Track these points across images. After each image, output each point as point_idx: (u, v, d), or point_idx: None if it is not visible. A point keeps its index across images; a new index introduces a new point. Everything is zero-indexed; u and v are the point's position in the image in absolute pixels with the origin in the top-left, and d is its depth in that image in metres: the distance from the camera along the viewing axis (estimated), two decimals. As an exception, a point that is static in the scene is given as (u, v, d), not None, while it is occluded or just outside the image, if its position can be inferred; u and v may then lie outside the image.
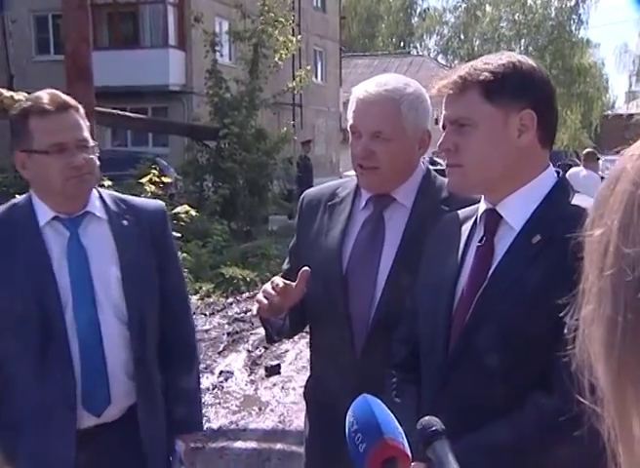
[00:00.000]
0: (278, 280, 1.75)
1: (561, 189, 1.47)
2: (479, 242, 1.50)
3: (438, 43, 50.25)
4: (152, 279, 1.97)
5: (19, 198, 2.00)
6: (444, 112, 1.50)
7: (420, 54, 44.63)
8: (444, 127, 1.50)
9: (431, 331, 1.52)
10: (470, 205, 1.61)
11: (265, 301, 1.73)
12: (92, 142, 1.92)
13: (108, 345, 1.88)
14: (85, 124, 1.92)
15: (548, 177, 1.49)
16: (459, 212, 1.64)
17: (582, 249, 0.59)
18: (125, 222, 1.98)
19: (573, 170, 10.30)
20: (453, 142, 1.48)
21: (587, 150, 10.75)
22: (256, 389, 5.79)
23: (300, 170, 15.94)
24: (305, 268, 1.75)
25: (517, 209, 1.46)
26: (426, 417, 1.39)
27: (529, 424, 1.34)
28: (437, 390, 1.47)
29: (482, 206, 1.53)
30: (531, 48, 45.30)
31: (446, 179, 1.89)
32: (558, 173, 1.52)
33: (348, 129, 1.89)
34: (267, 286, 1.75)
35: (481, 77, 1.44)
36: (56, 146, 1.83)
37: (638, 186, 0.53)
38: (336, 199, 1.97)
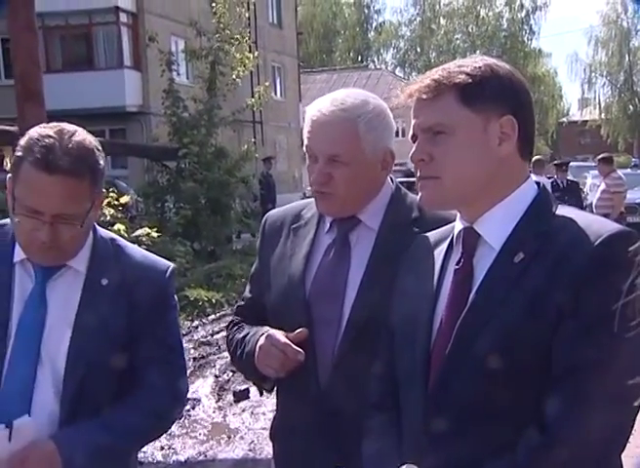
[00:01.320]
0: (282, 338, 1.66)
1: (543, 202, 1.35)
2: (456, 265, 1.37)
3: (395, 56, 50.83)
4: (110, 347, 1.68)
5: (7, 221, 1.76)
6: (414, 120, 1.36)
7: (378, 67, 45.04)
8: (414, 136, 1.37)
9: (409, 365, 1.40)
10: (443, 225, 1.49)
11: (278, 364, 1.66)
12: (83, 220, 1.62)
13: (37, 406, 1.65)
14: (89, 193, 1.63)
15: (529, 190, 1.37)
16: (430, 234, 1.52)
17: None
18: (104, 281, 1.70)
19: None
20: (427, 152, 1.34)
21: (536, 157, 11.02)
22: (224, 416, 5.63)
23: (263, 187, 15.82)
24: (304, 330, 1.67)
25: (497, 226, 1.33)
26: (404, 466, 1.28)
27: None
28: (419, 428, 1.35)
29: (458, 225, 1.41)
30: (486, 58, 45.96)
31: (416, 197, 1.76)
32: (538, 184, 1.40)
33: (304, 150, 1.77)
34: (274, 343, 1.66)
35: (457, 80, 1.31)
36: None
37: None
38: (300, 221, 1.84)
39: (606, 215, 9.55)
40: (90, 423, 1.65)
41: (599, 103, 46.76)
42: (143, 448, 5.09)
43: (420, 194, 1.39)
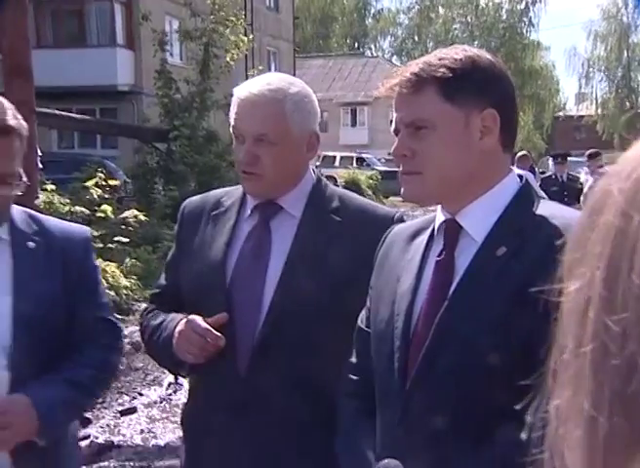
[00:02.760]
0: (202, 323, 1.63)
1: (525, 195, 1.33)
2: (438, 256, 1.34)
3: (392, 44, 50.73)
4: (52, 309, 1.72)
5: None
6: (396, 114, 1.33)
7: (375, 55, 44.94)
8: (396, 131, 1.34)
9: (387, 354, 1.35)
10: (364, 212, 1.50)
11: (197, 349, 1.63)
12: (17, 178, 1.69)
13: None
14: (21, 152, 1.69)
15: (511, 183, 1.34)
16: (409, 224, 1.49)
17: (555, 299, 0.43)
18: (31, 245, 1.75)
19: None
20: (409, 148, 1.31)
21: (521, 153, 11.06)
22: (188, 392, 5.58)
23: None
24: (224, 314, 1.65)
25: (479, 218, 1.31)
26: (385, 461, 1.24)
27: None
28: (395, 423, 1.31)
29: (440, 216, 1.37)
30: (484, 49, 45.85)
31: (337, 189, 1.80)
32: (521, 177, 1.37)
33: (231, 132, 1.74)
34: (194, 328, 1.63)
35: (437, 73, 1.28)
36: None
37: (630, 220, 0.37)
38: (220, 208, 1.82)
39: None
40: (53, 379, 1.68)
41: (596, 99, 46.88)
42: (123, 432, 5.09)
43: (402, 189, 1.37)
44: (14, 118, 1.67)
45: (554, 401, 0.40)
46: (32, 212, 1.87)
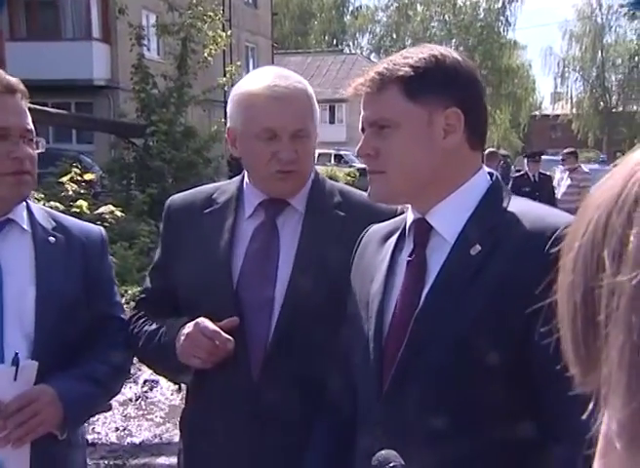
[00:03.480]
0: (211, 325, 1.57)
1: (496, 193, 1.32)
2: (409, 256, 1.32)
3: (370, 41, 50.76)
4: (73, 304, 1.72)
5: None
6: (363, 113, 1.33)
7: (353, 52, 44.90)
8: (363, 130, 1.33)
9: (362, 356, 1.34)
10: (366, 209, 1.49)
11: (205, 353, 1.57)
12: (36, 137, 1.69)
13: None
14: (27, 111, 1.69)
15: (481, 181, 1.33)
16: (381, 225, 1.47)
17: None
18: (52, 239, 1.75)
19: None
20: (373, 146, 1.31)
21: (489, 150, 10.91)
22: (182, 398, 5.54)
23: (232, 168, 15.66)
24: (235, 318, 1.59)
25: (449, 217, 1.29)
26: (383, 452, 1.23)
27: None
28: (375, 420, 1.30)
29: (410, 216, 1.36)
30: (461, 48, 46.15)
31: (335, 183, 1.78)
32: (491, 174, 1.36)
33: (257, 132, 1.64)
34: (202, 331, 1.57)
35: (400, 73, 1.27)
36: None
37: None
38: (214, 205, 1.74)
39: (570, 210, 9.44)
40: (74, 373, 1.68)
41: (571, 98, 47.32)
42: (97, 430, 5.04)
43: (368, 189, 1.37)
44: (18, 82, 1.69)
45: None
46: (51, 210, 1.90)
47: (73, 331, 1.72)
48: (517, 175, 10.32)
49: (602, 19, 45.14)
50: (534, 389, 1.17)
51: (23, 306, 1.67)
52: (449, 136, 1.29)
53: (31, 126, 1.69)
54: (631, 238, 0.39)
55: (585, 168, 10.73)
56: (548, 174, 10.03)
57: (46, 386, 1.62)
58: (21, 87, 1.68)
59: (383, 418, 1.27)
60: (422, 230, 1.32)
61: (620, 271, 0.40)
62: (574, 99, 47.10)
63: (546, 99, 54.55)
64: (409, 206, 1.38)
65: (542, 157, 10.48)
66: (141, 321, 1.79)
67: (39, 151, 1.71)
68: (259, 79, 1.67)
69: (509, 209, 1.27)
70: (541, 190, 9.23)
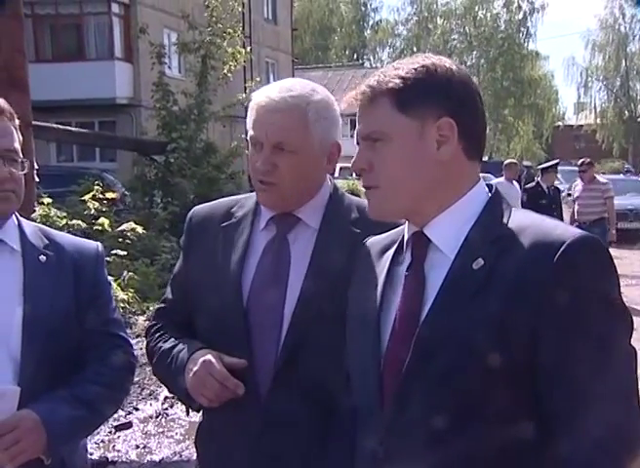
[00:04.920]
0: (220, 367, 1.55)
1: (496, 205, 1.28)
2: (407, 271, 1.29)
3: (391, 55, 50.74)
4: (63, 324, 1.69)
5: None
6: (357, 126, 1.30)
7: (374, 66, 44.95)
8: (358, 143, 1.31)
9: (361, 371, 1.32)
10: (382, 226, 1.42)
11: (213, 395, 1.55)
12: (21, 157, 1.68)
13: None
14: (17, 135, 1.68)
15: (480, 193, 1.30)
16: (379, 238, 1.43)
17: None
18: (43, 258, 1.73)
19: (495, 180, 10.06)
20: (367, 160, 1.29)
21: (509, 161, 10.57)
22: (202, 415, 5.52)
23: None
24: (243, 361, 1.57)
25: (448, 231, 1.26)
26: None
27: None
28: (377, 436, 1.27)
29: (407, 229, 1.33)
30: (482, 60, 46.08)
31: (355, 198, 1.72)
32: (490, 187, 1.33)
33: (248, 140, 1.66)
34: (211, 373, 1.55)
35: (390, 84, 1.26)
36: None
37: None
38: (232, 219, 1.73)
39: (587, 223, 8.93)
40: (61, 395, 1.64)
41: (595, 108, 46.89)
42: (118, 447, 5.04)
43: (366, 204, 1.35)
44: (4, 103, 1.70)
45: None
46: (43, 226, 1.86)
47: (63, 352, 1.69)
48: (530, 186, 9.81)
49: (625, 28, 44.80)
50: (541, 397, 1.16)
51: (10, 327, 1.64)
52: (442, 147, 1.25)
53: (16, 146, 1.68)
54: None
55: (603, 178, 10.47)
56: (558, 187, 9.71)
57: (28, 411, 1.58)
58: (6, 107, 1.69)
59: (386, 433, 1.25)
60: (420, 244, 1.29)
61: None
62: (597, 109, 46.67)
63: (569, 110, 54.24)
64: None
65: (566, 168, 10.13)
66: (158, 335, 1.78)
67: (23, 172, 1.70)
68: (264, 89, 1.67)
69: (511, 222, 1.24)
70: (556, 203, 8.90)
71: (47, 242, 1.76)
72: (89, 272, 1.78)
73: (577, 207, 9.35)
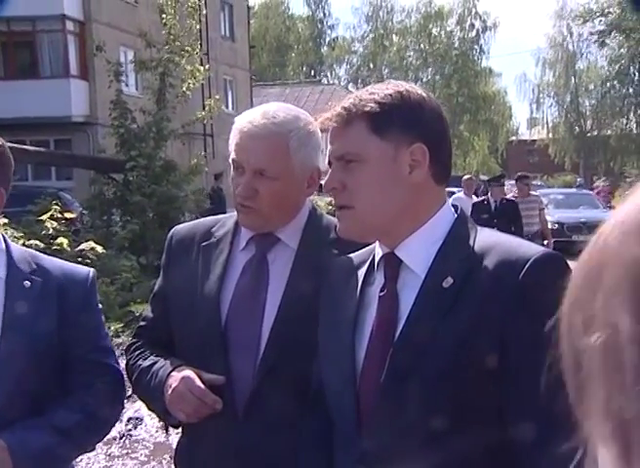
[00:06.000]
0: (198, 383, 1.56)
1: (462, 225, 1.33)
2: (380, 291, 1.33)
3: (348, 72, 51.32)
4: (44, 351, 1.66)
5: None
6: (329, 147, 1.35)
7: (331, 82, 45.27)
8: (330, 164, 1.35)
9: (337, 397, 1.34)
10: (362, 247, 1.45)
11: (192, 410, 1.56)
12: None
13: None
14: None
15: (446, 214, 1.35)
16: (349, 257, 1.47)
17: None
18: (27, 284, 1.70)
19: (454, 196, 10.24)
20: (339, 181, 1.32)
21: (466, 176, 10.72)
22: (167, 436, 5.46)
23: (213, 201, 15.65)
24: (221, 378, 1.58)
25: (418, 251, 1.30)
26: None
27: None
28: (354, 456, 1.29)
29: (378, 250, 1.37)
30: (438, 76, 46.83)
31: (333, 219, 1.72)
32: (456, 207, 1.38)
33: (230, 162, 1.69)
34: (190, 389, 1.56)
35: (366, 108, 1.29)
36: None
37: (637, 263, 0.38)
38: (212, 239, 1.75)
39: (537, 233, 9.04)
40: (36, 423, 1.60)
41: (547, 123, 47.93)
42: (80, 472, 4.96)
43: (337, 226, 1.37)
44: None
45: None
46: (36, 252, 1.84)
47: (44, 379, 1.66)
48: (477, 200, 9.65)
49: (573, 46, 46.00)
50: (507, 413, 1.19)
51: None
52: (414, 172, 1.30)
53: None
54: (597, 302, 0.41)
55: (534, 192, 10.50)
56: (512, 199, 9.42)
57: None
58: None
59: (364, 453, 1.26)
60: (393, 265, 1.32)
61: (590, 332, 0.41)
62: (549, 124, 47.71)
63: (523, 125, 55.42)
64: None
65: (504, 182, 9.94)
66: (137, 353, 1.79)
67: None
68: (248, 113, 1.69)
69: (478, 240, 1.28)
70: (501, 217, 8.54)
71: (34, 267, 1.74)
72: (76, 297, 1.75)
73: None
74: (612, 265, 0.40)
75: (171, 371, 1.63)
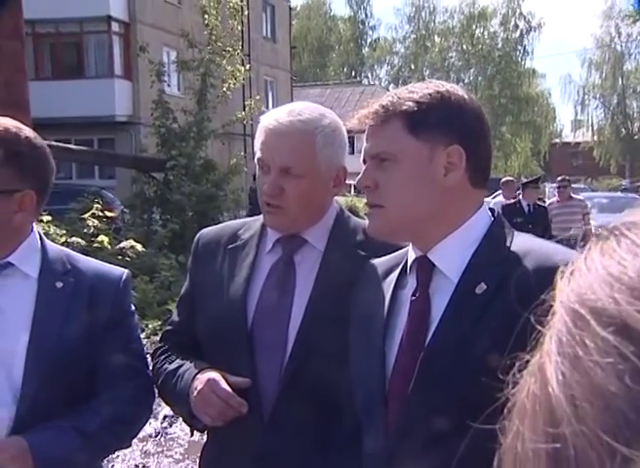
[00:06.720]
0: (224, 385, 1.55)
1: (498, 230, 1.30)
2: (412, 296, 1.30)
3: (389, 72, 51.13)
4: (71, 352, 1.65)
5: None
6: (364, 145, 1.32)
7: (372, 83, 45.22)
8: (364, 161, 1.33)
9: (366, 401, 1.32)
10: (388, 249, 1.43)
11: (217, 413, 1.55)
12: None
13: None
14: None
15: (482, 218, 1.31)
16: (381, 261, 1.45)
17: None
18: (59, 284, 1.68)
19: (496, 199, 9.91)
20: (372, 179, 1.30)
21: (505, 178, 10.19)
22: (202, 434, 5.49)
23: (252, 201, 15.73)
24: (247, 380, 1.56)
25: (452, 255, 1.27)
26: None
27: None
28: (381, 460, 1.28)
29: (411, 253, 1.34)
30: (480, 77, 46.35)
31: (361, 221, 1.70)
32: (492, 211, 1.35)
33: (256, 162, 1.68)
34: (215, 391, 1.55)
35: (404, 107, 1.26)
36: None
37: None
38: (238, 241, 1.74)
39: (561, 242, 8.83)
40: (60, 425, 1.59)
41: (592, 125, 47.13)
42: (116, 467, 5.00)
43: (367, 223, 1.36)
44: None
45: None
46: (72, 252, 1.81)
47: (69, 381, 1.65)
48: (507, 203, 9.09)
49: (621, 46, 45.14)
50: None
51: (13, 354, 1.61)
52: (450, 174, 1.27)
53: None
54: None
55: (579, 196, 10.29)
56: (544, 205, 9.16)
57: (17, 438, 1.55)
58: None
59: (391, 458, 1.25)
60: (425, 269, 1.30)
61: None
62: (594, 127, 46.91)
63: (567, 127, 54.50)
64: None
65: (539, 184, 9.36)
66: (163, 357, 1.78)
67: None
68: (274, 112, 1.68)
69: (513, 246, 1.25)
70: (536, 222, 8.10)
71: (69, 267, 1.71)
72: (107, 299, 1.72)
73: (553, 224, 8.77)
74: None
75: (196, 374, 1.62)
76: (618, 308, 0.34)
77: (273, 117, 1.64)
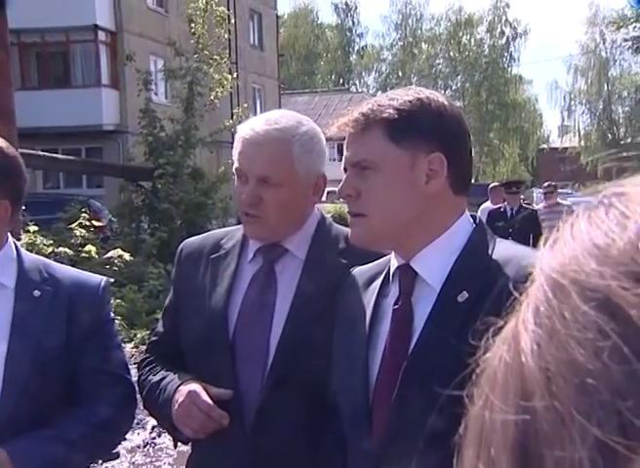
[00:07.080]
0: (205, 397, 1.54)
1: (480, 237, 1.29)
2: (395, 304, 1.30)
3: (377, 80, 51.27)
4: (50, 361, 1.64)
5: None
6: (345, 153, 1.31)
7: (360, 90, 45.32)
8: (345, 169, 1.32)
9: (351, 410, 1.31)
10: (370, 257, 1.41)
11: (198, 425, 1.54)
12: None
13: None
14: None
15: (464, 225, 1.31)
16: (363, 269, 1.44)
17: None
18: (37, 293, 1.68)
19: (484, 205, 9.91)
20: (354, 187, 1.29)
21: (493, 184, 10.25)
22: (191, 444, 5.45)
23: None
24: (229, 391, 1.56)
25: (434, 263, 1.27)
26: None
27: None
28: None
29: (394, 261, 1.33)
30: (467, 84, 46.60)
31: (343, 229, 1.70)
32: (474, 217, 1.34)
33: (234, 172, 1.67)
34: (196, 403, 1.54)
35: (384, 114, 1.25)
36: None
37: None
38: (220, 251, 1.73)
39: None
40: (41, 434, 1.58)
41: (578, 131, 47.39)
42: (105, 479, 4.97)
43: (350, 231, 1.34)
44: None
45: None
46: (49, 261, 1.82)
47: (52, 390, 1.64)
48: (493, 208, 9.05)
49: (606, 52, 45.49)
50: None
51: None
52: (431, 181, 1.26)
53: None
54: None
55: (566, 201, 10.37)
56: (531, 207, 9.09)
57: None
58: None
59: (377, 465, 1.25)
60: (408, 277, 1.29)
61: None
62: (581, 132, 47.19)
63: (554, 133, 54.73)
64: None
65: (519, 188, 9.12)
66: (148, 368, 1.78)
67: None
68: (250, 121, 1.68)
69: (495, 253, 1.25)
70: (519, 226, 7.96)
71: (46, 276, 1.71)
72: (86, 307, 1.72)
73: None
74: None
75: (178, 386, 1.61)
76: (602, 283, 0.32)
77: (250, 126, 1.63)
